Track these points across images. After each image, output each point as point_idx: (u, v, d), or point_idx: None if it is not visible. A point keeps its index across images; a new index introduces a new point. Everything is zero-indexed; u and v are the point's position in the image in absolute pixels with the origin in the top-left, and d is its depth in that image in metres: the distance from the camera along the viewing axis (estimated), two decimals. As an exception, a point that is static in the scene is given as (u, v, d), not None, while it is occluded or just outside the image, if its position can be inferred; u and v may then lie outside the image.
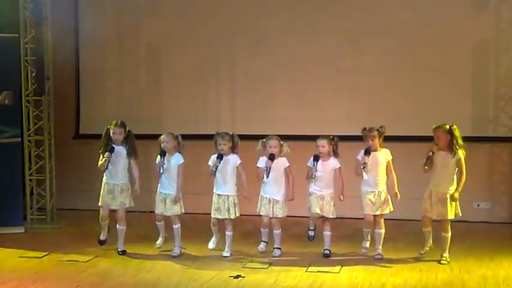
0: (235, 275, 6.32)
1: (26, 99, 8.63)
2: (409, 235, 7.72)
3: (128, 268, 6.64)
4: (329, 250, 7.01)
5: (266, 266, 6.63)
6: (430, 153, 6.69)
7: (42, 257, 7.06)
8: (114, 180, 7.18)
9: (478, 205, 8.63)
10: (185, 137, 8.62)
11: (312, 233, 7.20)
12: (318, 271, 6.43)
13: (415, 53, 8.64)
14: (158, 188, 7.17)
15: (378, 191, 6.90)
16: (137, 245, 7.46)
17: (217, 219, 7.12)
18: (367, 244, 7.08)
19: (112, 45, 9.59)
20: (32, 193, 8.79)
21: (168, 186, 7.10)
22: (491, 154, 8.67)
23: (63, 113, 9.30)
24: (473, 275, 6.28)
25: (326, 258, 6.93)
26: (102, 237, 7.38)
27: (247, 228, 7.61)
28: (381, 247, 6.94)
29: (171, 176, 7.08)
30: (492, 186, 8.66)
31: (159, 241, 7.43)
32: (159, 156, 7.07)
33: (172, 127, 8.97)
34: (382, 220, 6.95)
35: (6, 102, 8.19)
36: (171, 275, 6.39)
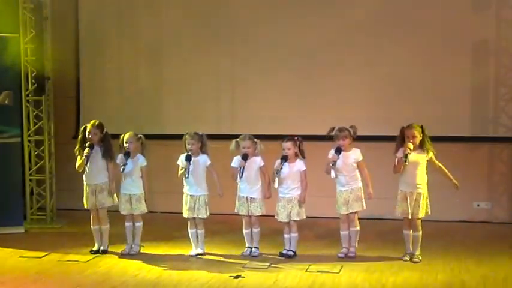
0: (235, 275, 6.33)
1: (26, 99, 8.64)
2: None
3: (128, 268, 6.64)
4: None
5: (266, 266, 6.63)
6: (408, 151, 6.65)
7: (42, 257, 7.06)
8: (95, 181, 7.14)
9: (478, 205, 8.63)
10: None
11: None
12: (318, 271, 6.43)
13: (415, 53, 8.64)
14: (121, 190, 7.19)
15: (351, 189, 6.93)
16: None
17: (192, 218, 7.11)
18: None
19: (112, 45, 9.58)
20: (32, 193, 8.80)
21: (132, 187, 7.14)
22: (490, 154, 8.66)
23: (63, 113, 9.30)
24: (473, 275, 6.28)
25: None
26: (95, 247, 7.25)
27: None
28: (356, 245, 7.00)
29: (135, 176, 7.13)
30: (492, 186, 8.65)
31: (127, 247, 7.23)
32: (122, 157, 7.07)
33: (173, 127, 9.02)
34: (356, 218, 6.99)
35: (6, 102, 8.19)
36: (171, 275, 6.39)
